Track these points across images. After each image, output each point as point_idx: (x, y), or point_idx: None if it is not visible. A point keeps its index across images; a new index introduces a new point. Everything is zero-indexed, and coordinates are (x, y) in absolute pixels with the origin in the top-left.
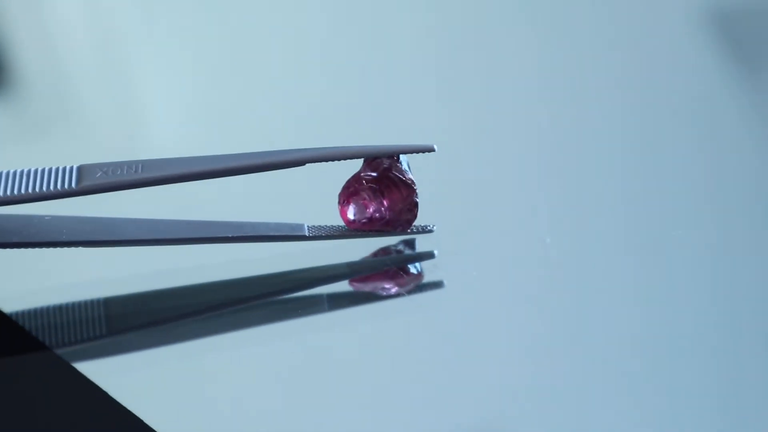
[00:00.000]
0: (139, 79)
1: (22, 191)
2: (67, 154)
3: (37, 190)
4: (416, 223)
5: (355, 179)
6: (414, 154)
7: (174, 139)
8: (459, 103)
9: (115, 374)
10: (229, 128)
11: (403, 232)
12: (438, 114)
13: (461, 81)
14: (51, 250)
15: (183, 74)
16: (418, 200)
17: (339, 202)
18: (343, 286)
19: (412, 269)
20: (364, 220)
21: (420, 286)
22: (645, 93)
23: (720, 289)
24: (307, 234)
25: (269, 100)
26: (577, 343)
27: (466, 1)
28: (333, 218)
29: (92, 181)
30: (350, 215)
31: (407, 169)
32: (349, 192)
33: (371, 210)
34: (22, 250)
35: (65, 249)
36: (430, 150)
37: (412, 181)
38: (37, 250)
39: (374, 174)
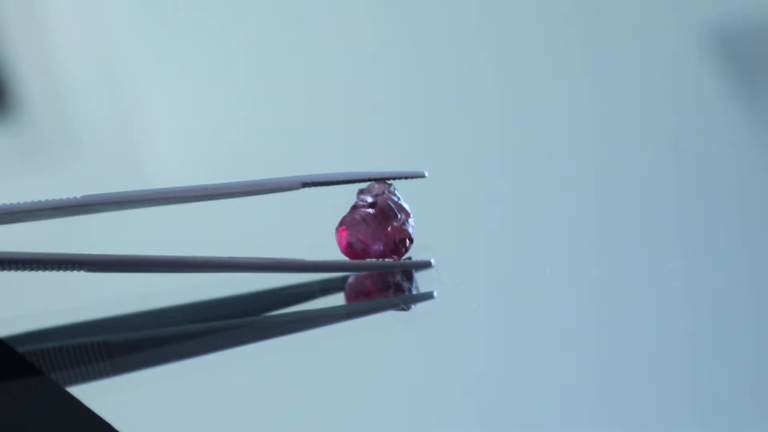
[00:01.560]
0: (141, 104)
1: (27, 200)
2: (69, 177)
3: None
4: (411, 251)
5: (351, 209)
6: (406, 181)
7: (175, 163)
8: (450, 131)
9: (112, 400)
10: (229, 153)
11: (402, 264)
12: (428, 142)
13: (453, 109)
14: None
15: (186, 100)
16: (413, 227)
17: (336, 231)
18: (340, 319)
19: (411, 304)
20: (360, 249)
21: (418, 318)
22: (644, 114)
23: (720, 328)
24: (305, 265)
25: (268, 131)
26: (578, 373)
27: (458, 25)
28: (330, 245)
29: (95, 196)
30: (347, 244)
31: (399, 197)
32: (346, 221)
33: (368, 238)
34: (20, 273)
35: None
36: (421, 176)
37: (407, 208)
38: (34, 274)
39: (369, 200)
